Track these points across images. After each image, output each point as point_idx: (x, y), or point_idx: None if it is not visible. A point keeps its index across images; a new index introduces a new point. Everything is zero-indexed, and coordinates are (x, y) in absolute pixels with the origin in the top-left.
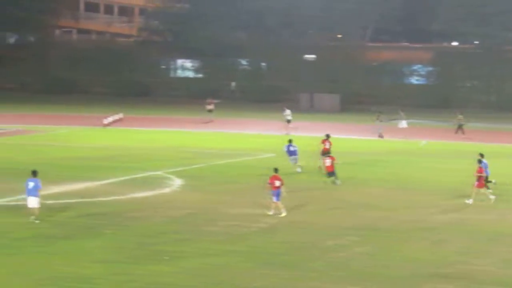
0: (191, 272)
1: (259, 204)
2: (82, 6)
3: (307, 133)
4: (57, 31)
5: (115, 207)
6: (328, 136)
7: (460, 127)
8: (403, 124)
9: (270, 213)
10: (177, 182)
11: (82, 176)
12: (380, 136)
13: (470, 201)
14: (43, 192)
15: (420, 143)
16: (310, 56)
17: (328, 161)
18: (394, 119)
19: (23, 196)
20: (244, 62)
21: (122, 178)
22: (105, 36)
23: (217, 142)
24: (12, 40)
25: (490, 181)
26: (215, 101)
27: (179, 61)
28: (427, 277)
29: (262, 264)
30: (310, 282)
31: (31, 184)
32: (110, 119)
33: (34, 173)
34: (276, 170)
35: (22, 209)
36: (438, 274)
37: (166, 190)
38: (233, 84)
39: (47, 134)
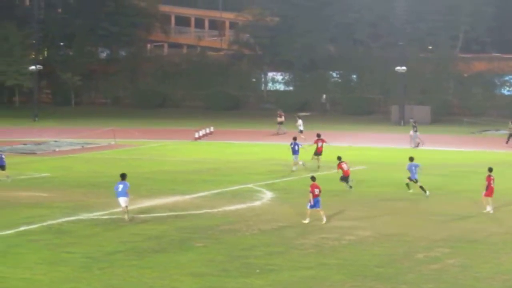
0: (282, 285)
1: (350, 217)
2: (173, 20)
3: (398, 145)
4: (149, 45)
5: (206, 220)
6: (319, 135)
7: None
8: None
9: (306, 221)
10: (268, 195)
11: (173, 189)
12: (416, 145)
13: (488, 210)
14: (135, 206)
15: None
16: (401, 68)
17: (345, 166)
18: (486, 130)
19: (116, 210)
20: (334, 74)
21: (213, 191)
22: (195, 50)
23: (308, 154)
24: (103, 55)
25: (417, 181)
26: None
27: (270, 74)
28: None
29: (353, 276)
30: None
31: (120, 187)
32: (201, 132)
33: (123, 176)
34: (313, 178)
35: (114, 222)
36: None
37: (257, 203)
38: (324, 96)
39: (139, 148)
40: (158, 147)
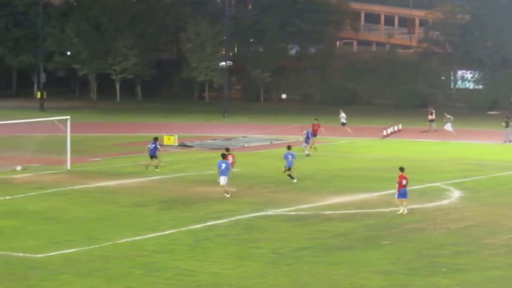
0: (469, 285)
1: None
2: (362, 17)
3: None
4: (338, 42)
5: (393, 218)
6: (317, 119)
7: None
8: (448, 127)
9: (400, 211)
10: (456, 193)
11: (361, 187)
12: (509, 141)
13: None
14: (323, 202)
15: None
16: None
17: (231, 158)
18: None
19: (301, 206)
20: None
21: None
22: (384, 47)
23: (497, 153)
24: (293, 51)
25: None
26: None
27: (459, 72)
28: None
29: None
30: None
31: (223, 165)
32: (389, 130)
33: (224, 156)
34: (402, 169)
35: (301, 219)
36: None
37: (445, 201)
38: None
39: (327, 145)
40: (345, 144)
